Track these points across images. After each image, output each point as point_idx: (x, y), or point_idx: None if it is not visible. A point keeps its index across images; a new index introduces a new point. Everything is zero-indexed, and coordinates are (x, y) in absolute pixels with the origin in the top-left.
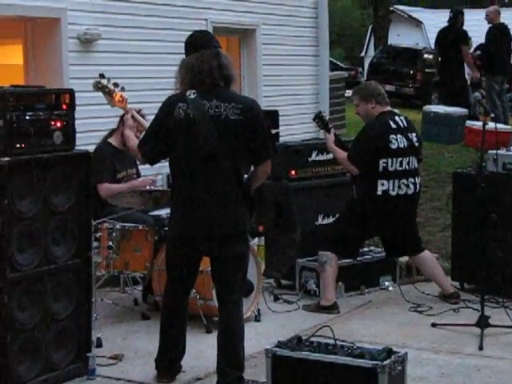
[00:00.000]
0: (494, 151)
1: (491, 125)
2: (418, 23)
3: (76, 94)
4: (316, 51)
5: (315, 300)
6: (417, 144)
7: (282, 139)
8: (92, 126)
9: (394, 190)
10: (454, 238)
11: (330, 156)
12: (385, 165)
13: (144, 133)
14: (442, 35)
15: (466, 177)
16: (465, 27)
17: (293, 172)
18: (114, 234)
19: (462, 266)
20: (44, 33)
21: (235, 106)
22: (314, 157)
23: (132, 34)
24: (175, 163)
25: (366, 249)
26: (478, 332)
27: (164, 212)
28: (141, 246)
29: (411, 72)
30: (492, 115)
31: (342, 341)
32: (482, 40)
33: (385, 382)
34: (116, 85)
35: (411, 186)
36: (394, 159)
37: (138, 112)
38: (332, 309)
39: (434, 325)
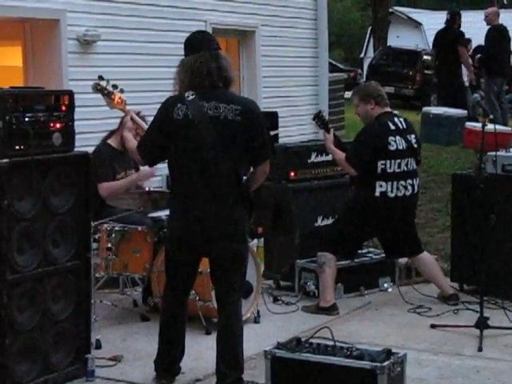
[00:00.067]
0: (494, 153)
1: (490, 126)
2: (417, 25)
3: (75, 96)
4: (315, 53)
5: (314, 301)
6: (416, 146)
7: (280, 140)
8: (91, 127)
9: (392, 191)
10: (453, 240)
11: (330, 157)
12: (383, 166)
13: (143, 134)
14: (440, 36)
15: (465, 178)
16: (465, 29)
17: (292, 173)
18: (113, 235)
19: (461, 267)
20: (43, 34)
21: (234, 106)
22: (313, 158)
23: (131, 36)
24: (174, 164)
25: (365, 250)
26: (477, 333)
27: (163, 213)
28: (140, 247)
29: (410, 73)
30: (491, 116)
31: (342, 342)
32: (481, 41)
33: (384, 383)
34: (115, 86)
35: (409, 187)
36: (393, 161)
37: (138, 114)
38: (331, 310)
39: (433, 326)
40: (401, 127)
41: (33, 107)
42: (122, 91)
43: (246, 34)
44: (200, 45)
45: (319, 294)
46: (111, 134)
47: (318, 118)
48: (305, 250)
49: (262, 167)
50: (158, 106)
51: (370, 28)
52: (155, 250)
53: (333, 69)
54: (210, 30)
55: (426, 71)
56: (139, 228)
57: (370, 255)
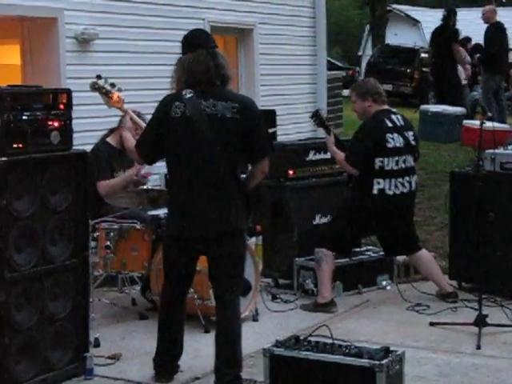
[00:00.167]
0: (492, 150)
1: (489, 124)
2: (415, 22)
3: (73, 94)
4: (313, 51)
5: (313, 299)
6: (413, 143)
7: (279, 138)
8: (89, 125)
9: (390, 188)
10: (451, 237)
11: (328, 155)
12: (381, 164)
13: (141, 133)
14: (436, 34)
15: (463, 176)
16: (463, 27)
17: (290, 171)
18: (111, 233)
19: (459, 264)
20: (41, 33)
21: (232, 104)
22: (311, 156)
23: (129, 34)
24: (172, 162)
25: (363, 248)
26: (475, 331)
27: (161, 212)
28: (138, 245)
29: (408, 71)
30: (489, 114)
31: (340, 340)
32: (480, 39)
33: (382, 381)
34: (113, 85)
35: (407, 184)
36: (391, 158)
37: (137, 114)
38: (329, 306)
39: (431, 324)
40: (398, 124)
41: (31, 105)
42: (119, 90)
43: (244, 32)
44: (197, 43)
45: (318, 292)
46: (110, 132)
47: (315, 116)
48: (303, 248)
49: (261, 165)
50: (156, 104)
51: (368, 26)
52: (153, 248)
53: (331, 67)
54: (208, 28)
55: (424, 69)
56: (137, 226)
57: (368, 253)
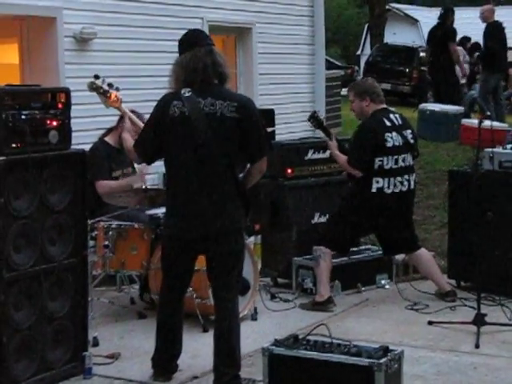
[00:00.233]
0: (490, 149)
1: (487, 123)
2: (413, 21)
3: (72, 93)
4: (312, 50)
5: (312, 298)
6: (412, 141)
7: (278, 138)
8: (88, 124)
9: (389, 187)
10: (450, 236)
11: (327, 154)
12: (380, 163)
13: (140, 133)
14: (433, 33)
15: (461, 175)
16: (463, 26)
17: (289, 170)
18: (110, 232)
19: (458, 263)
20: (40, 32)
21: (230, 103)
22: (310, 155)
23: (128, 33)
24: (170, 161)
25: (362, 247)
26: (474, 330)
27: (160, 211)
28: (137, 244)
29: (407, 70)
30: (488, 113)
31: (339, 339)
32: (479, 39)
33: (381, 380)
34: (111, 85)
35: (406, 183)
36: (390, 157)
37: (133, 112)
38: (326, 304)
39: (430, 323)
40: (396, 123)
41: (29, 105)
42: (117, 89)
43: (242, 31)
44: (194, 41)
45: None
46: (109, 131)
47: (313, 118)
48: (302, 247)
49: (259, 164)
50: (154, 103)
51: (366, 25)
52: (152, 247)
53: (329, 66)
54: (206, 27)
55: (422, 68)
56: (136, 225)
57: (367, 252)
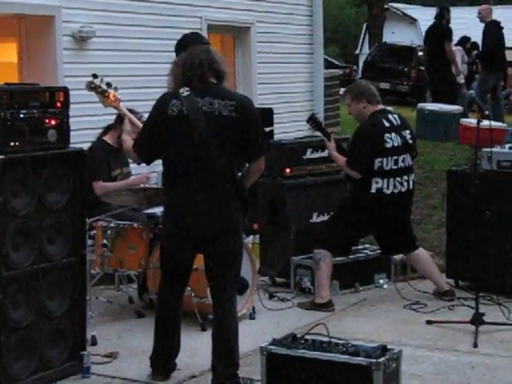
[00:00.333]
0: (489, 149)
1: (486, 122)
2: (412, 21)
3: (70, 92)
4: (311, 49)
5: (310, 298)
6: (411, 141)
7: (276, 137)
8: (86, 123)
9: (388, 188)
10: (448, 236)
11: (325, 154)
12: (380, 164)
13: (138, 132)
14: (430, 32)
15: (460, 174)
16: (462, 25)
17: (287, 170)
18: (108, 231)
19: (456, 263)
20: (38, 31)
21: (228, 102)
22: (308, 155)
23: (127, 32)
24: (169, 160)
25: (360, 247)
26: (472, 329)
27: (158, 210)
28: (136, 243)
29: (406, 70)
30: (487, 113)
31: (337, 338)
32: (478, 38)
33: (379, 379)
34: (109, 84)
35: (405, 183)
36: (389, 158)
37: (130, 111)
38: (327, 306)
39: (428, 322)
40: (395, 124)
41: (28, 104)
42: (116, 89)
43: (241, 30)
44: (191, 41)
45: (315, 291)
46: (107, 130)
47: (312, 120)
48: (300, 246)
49: (257, 163)
50: (154, 102)
51: (365, 24)
52: (151, 246)
53: (328, 65)
54: (205, 27)
55: (421, 67)
56: (135, 224)
57: (365, 251)
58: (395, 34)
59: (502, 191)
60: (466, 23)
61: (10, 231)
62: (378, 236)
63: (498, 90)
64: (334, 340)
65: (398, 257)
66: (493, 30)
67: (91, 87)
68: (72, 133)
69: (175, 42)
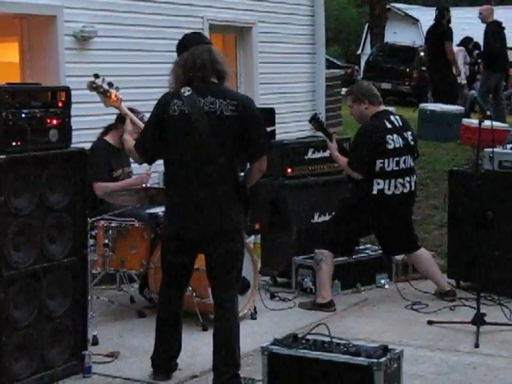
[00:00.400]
0: (490, 149)
1: (487, 123)
2: (414, 21)
3: (72, 92)
4: (312, 49)
5: (311, 298)
6: (412, 143)
7: (278, 137)
8: (88, 123)
9: (389, 189)
10: (450, 236)
11: (327, 154)
12: (382, 165)
13: (140, 132)
14: (430, 33)
15: (462, 175)
16: (464, 26)
17: (289, 170)
18: (110, 231)
19: (457, 263)
20: (40, 30)
21: (230, 102)
22: (310, 155)
23: (128, 32)
24: (170, 160)
25: (362, 247)
26: (473, 330)
27: (160, 210)
28: (137, 243)
29: (407, 70)
30: (488, 113)
31: (338, 338)
32: (480, 38)
33: (380, 379)
34: (110, 84)
35: (407, 184)
36: (391, 159)
37: (131, 110)
38: (328, 306)
39: (430, 322)
40: (397, 125)
41: (29, 103)
42: (117, 89)
43: (242, 30)
44: (192, 41)
45: (316, 291)
46: (108, 130)
47: (314, 120)
48: (302, 246)
49: (258, 164)
50: (155, 102)
51: (367, 24)
52: (152, 246)
53: (330, 65)
54: (207, 27)
55: (422, 68)
56: (136, 224)
57: (366, 252)
58: (397, 35)
59: (503, 191)
60: (470, 23)
61: (12, 231)
62: (379, 236)
63: (500, 90)
64: (335, 340)
65: (400, 257)
66: (494, 30)
67: (93, 87)
68: (74, 132)
69: (177, 42)
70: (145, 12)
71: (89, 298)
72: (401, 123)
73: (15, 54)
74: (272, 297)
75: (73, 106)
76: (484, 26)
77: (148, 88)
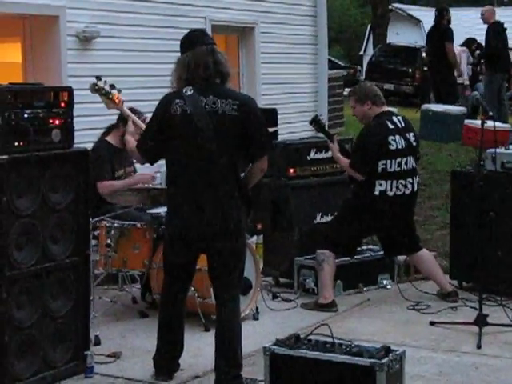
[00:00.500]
0: (493, 150)
1: (490, 123)
2: (416, 22)
3: (74, 92)
4: (315, 49)
5: (314, 298)
6: (414, 144)
7: (280, 137)
8: (90, 123)
9: (391, 190)
10: (452, 237)
11: (329, 154)
12: (384, 166)
13: (142, 132)
14: (431, 34)
15: (464, 175)
16: (467, 27)
17: (291, 170)
18: (112, 231)
19: (460, 264)
20: (42, 30)
21: (232, 102)
22: (312, 155)
23: (131, 32)
24: (172, 160)
25: (364, 247)
26: (476, 330)
27: (162, 210)
28: (139, 243)
29: (410, 70)
30: (491, 114)
31: (340, 339)
32: (482, 39)
33: (383, 380)
34: (112, 86)
35: (409, 185)
36: (393, 160)
37: (132, 110)
38: (330, 307)
39: (432, 323)
40: (400, 126)
41: (32, 103)
42: (119, 91)
43: (245, 30)
44: (195, 41)
45: (318, 291)
46: (109, 130)
47: (315, 122)
48: (304, 247)
49: (260, 163)
50: (157, 102)
51: (369, 25)
52: (154, 246)
53: (332, 66)
54: (209, 27)
55: (425, 68)
56: (138, 224)
57: (369, 252)
58: (399, 35)
59: (505, 192)
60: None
61: (14, 231)
62: (381, 237)
63: (503, 91)
64: (337, 340)
65: (402, 258)
66: (496, 31)
67: (95, 89)
68: (76, 133)
69: (179, 42)
70: (147, 13)
71: (91, 298)
72: (403, 124)
73: (18, 54)
74: (274, 297)
75: (75, 106)
76: (484, 26)
77: (150, 88)
